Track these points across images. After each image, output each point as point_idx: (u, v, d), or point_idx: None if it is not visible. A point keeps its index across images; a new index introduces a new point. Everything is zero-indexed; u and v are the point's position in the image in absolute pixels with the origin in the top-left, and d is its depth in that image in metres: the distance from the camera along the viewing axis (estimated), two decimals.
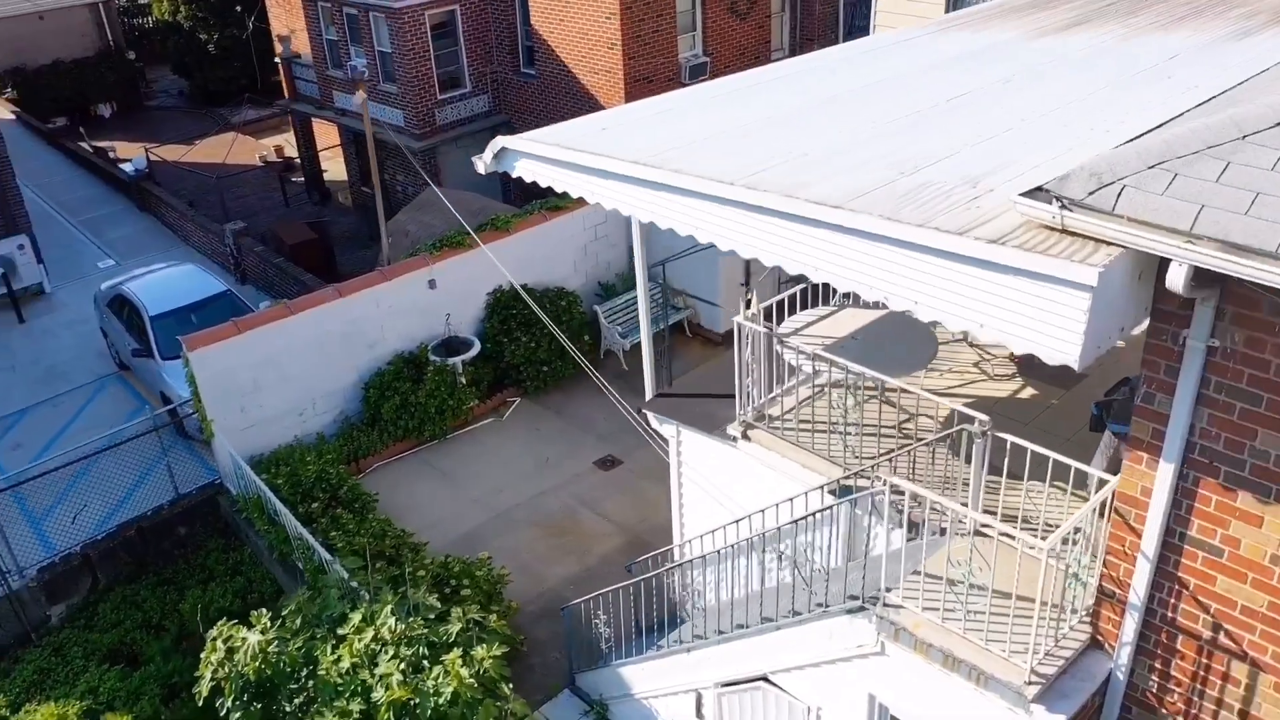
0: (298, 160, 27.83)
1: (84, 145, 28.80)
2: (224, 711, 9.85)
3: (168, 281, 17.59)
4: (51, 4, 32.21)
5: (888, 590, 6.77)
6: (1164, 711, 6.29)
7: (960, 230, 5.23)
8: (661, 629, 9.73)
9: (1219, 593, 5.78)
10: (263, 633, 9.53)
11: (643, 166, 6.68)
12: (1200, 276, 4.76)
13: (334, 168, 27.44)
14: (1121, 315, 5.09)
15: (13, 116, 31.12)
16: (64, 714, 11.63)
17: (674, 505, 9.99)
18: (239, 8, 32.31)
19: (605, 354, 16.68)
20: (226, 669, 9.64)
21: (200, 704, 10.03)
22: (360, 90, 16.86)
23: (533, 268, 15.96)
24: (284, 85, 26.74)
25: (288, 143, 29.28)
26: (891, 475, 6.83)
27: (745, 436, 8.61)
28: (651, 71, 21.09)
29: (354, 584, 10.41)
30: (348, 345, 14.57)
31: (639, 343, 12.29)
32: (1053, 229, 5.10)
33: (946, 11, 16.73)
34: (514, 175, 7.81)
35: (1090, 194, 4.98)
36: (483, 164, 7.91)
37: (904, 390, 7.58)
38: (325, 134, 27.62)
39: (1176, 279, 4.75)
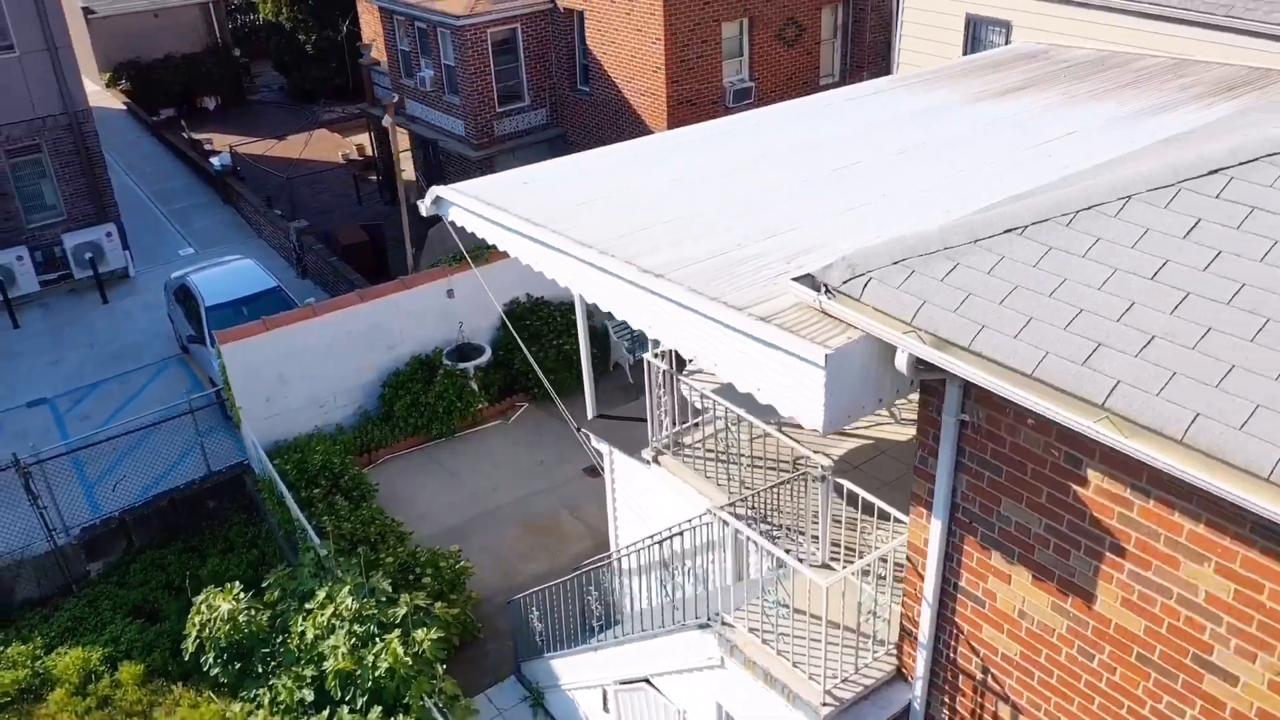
0: (374, 161, 29.57)
1: (184, 136, 31.11)
2: (205, 667, 11.25)
3: (225, 275, 19.30)
4: (167, 3, 34.79)
5: (725, 612, 7.63)
6: None
7: (743, 306, 6.09)
8: (604, 628, 10.71)
9: (985, 639, 6.48)
10: (235, 602, 10.86)
11: (531, 224, 7.68)
12: (924, 362, 5.52)
13: (411, 169, 29.06)
14: (874, 388, 5.87)
15: (124, 107, 33.79)
16: (87, 659, 13.28)
17: (609, 516, 10.95)
18: (336, 12, 34.31)
19: (614, 366, 17.69)
20: (208, 631, 11.02)
21: (186, 659, 11.47)
22: (388, 113, 18.18)
23: (548, 282, 17.02)
24: (364, 89, 28.50)
25: (369, 143, 31.08)
26: (725, 510, 7.68)
27: (656, 461, 9.53)
28: (695, 95, 21.97)
29: (329, 565, 11.68)
30: (368, 346, 15.92)
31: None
32: (815, 310, 5.91)
33: (964, 54, 17.24)
34: (448, 220, 8.88)
35: (845, 283, 5.79)
36: (424, 208, 9.01)
37: (775, 432, 8.37)
38: (403, 136, 29.25)
39: (901, 363, 5.53)
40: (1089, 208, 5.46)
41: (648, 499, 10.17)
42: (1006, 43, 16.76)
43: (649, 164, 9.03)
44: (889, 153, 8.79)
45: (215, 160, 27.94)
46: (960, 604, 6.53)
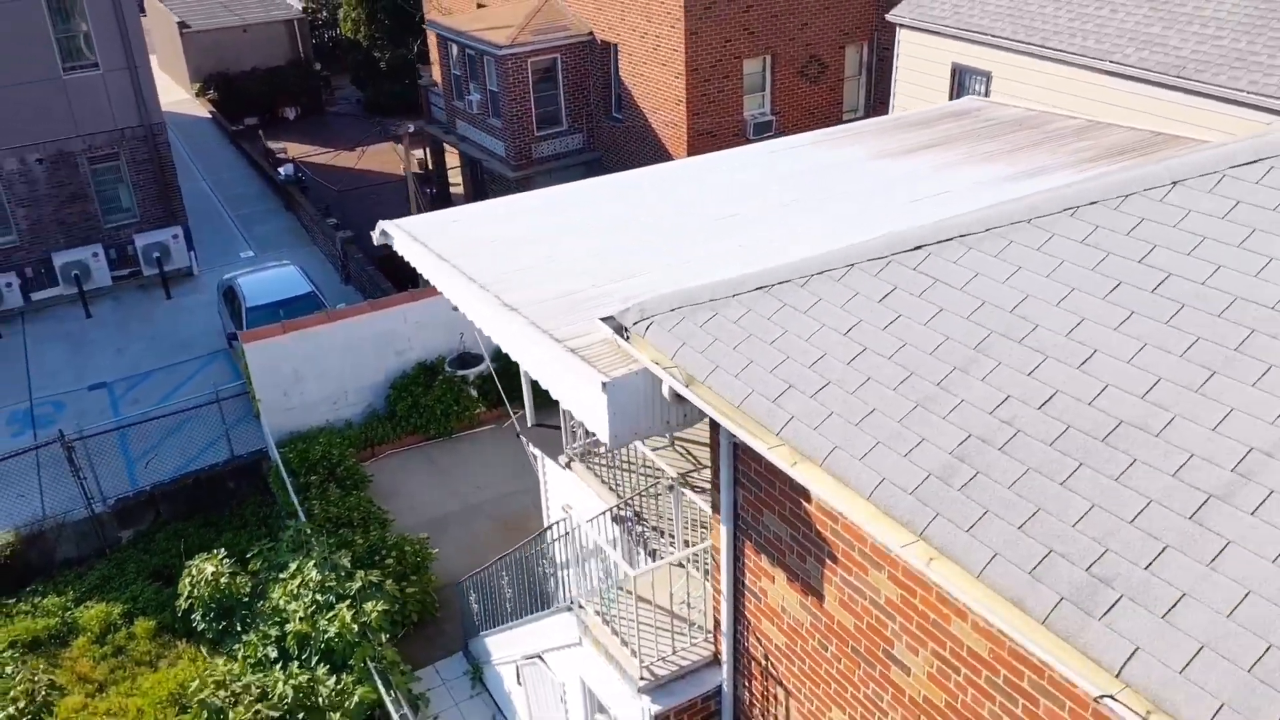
0: (430, 175, 31.60)
1: (261, 145, 33.65)
2: (194, 623, 13.03)
3: (268, 279, 21.35)
4: (255, 19, 37.55)
5: (581, 597, 8.98)
6: None
7: (564, 339, 7.46)
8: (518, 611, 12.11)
9: (764, 630, 7.71)
10: (219, 566, 12.60)
11: (439, 259, 9.17)
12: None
13: (462, 184, 31.01)
14: (658, 413, 7.17)
15: (209, 115, 36.61)
16: (109, 613, 15.24)
17: (543, 508, 12.37)
18: (409, 33, 36.58)
19: None
20: (196, 591, 12.80)
21: (179, 615, 13.27)
22: (404, 139, 19.88)
23: None
24: (422, 107, 30.56)
25: (426, 158, 33.14)
26: (570, 512, 9.03)
27: (569, 466, 10.92)
28: (715, 127, 23.28)
29: (306, 541, 13.35)
30: (378, 351, 17.66)
31: None
32: (614, 345, 7.25)
33: (950, 99, 18.22)
34: (395, 250, 10.44)
35: (634, 324, 7.12)
36: (375, 238, 10.59)
37: (642, 446, 9.68)
38: (454, 154, 31.23)
39: (666, 392, 6.84)
40: (820, 273, 6.69)
41: (570, 496, 11.56)
42: (987, 92, 17.72)
43: (561, 209, 10.46)
44: (772, 205, 10.04)
45: (281, 170, 30.27)
46: (746, 599, 7.77)
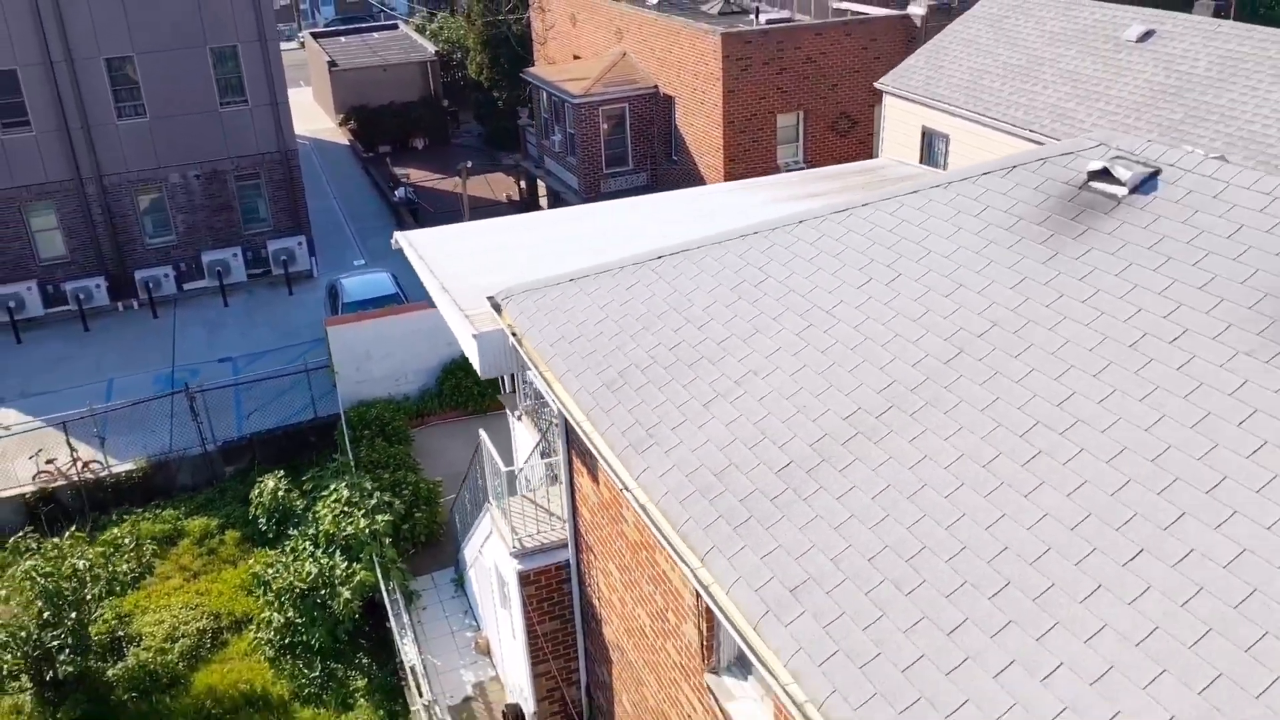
0: (526, 202, 36.60)
1: (388, 169, 39.40)
2: (261, 526, 17.83)
3: (364, 282, 26.47)
4: (394, 60, 43.64)
5: (494, 499, 13.16)
6: (591, 589, 12.17)
7: (466, 310, 11.74)
8: None
9: (584, 514, 11.67)
10: (276, 483, 17.36)
11: (421, 261, 13.60)
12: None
13: None
14: (511, 356, 11.32)
15: (347, 142, 42.76)
16: (208, 524, 20.28)
17: (513, 449, 16.57)
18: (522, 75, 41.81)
19: None
20: (261, 499, 17.60)
21: (250, 519, 18.12)
22: (462, 172, 24.57)
23: None
24: (519, 144, 35.62)
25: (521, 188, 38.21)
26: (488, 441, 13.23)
27: (520, 418, 15.14)
28: (749, 172, 27.22)
29: (347, 473, 17.99)
30: (432, 341, 22.29)
31: None
32: (492, 314, 11.46)
33: (919, 156, 21.73)
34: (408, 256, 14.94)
35: (502, 301, 11.32)
36: (392, 245, 15.13)
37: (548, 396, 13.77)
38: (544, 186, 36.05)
39: (510, 342, 10.99)
40: (604, 272, 10.73)
41: (521, 438, 15.77)
42: (947, 150, 21.18)
43: (523, 230, 14.77)
44: (665, 222, 14.08)
45: (397, 192, 35.78)
46: (578, 498, 11.78)
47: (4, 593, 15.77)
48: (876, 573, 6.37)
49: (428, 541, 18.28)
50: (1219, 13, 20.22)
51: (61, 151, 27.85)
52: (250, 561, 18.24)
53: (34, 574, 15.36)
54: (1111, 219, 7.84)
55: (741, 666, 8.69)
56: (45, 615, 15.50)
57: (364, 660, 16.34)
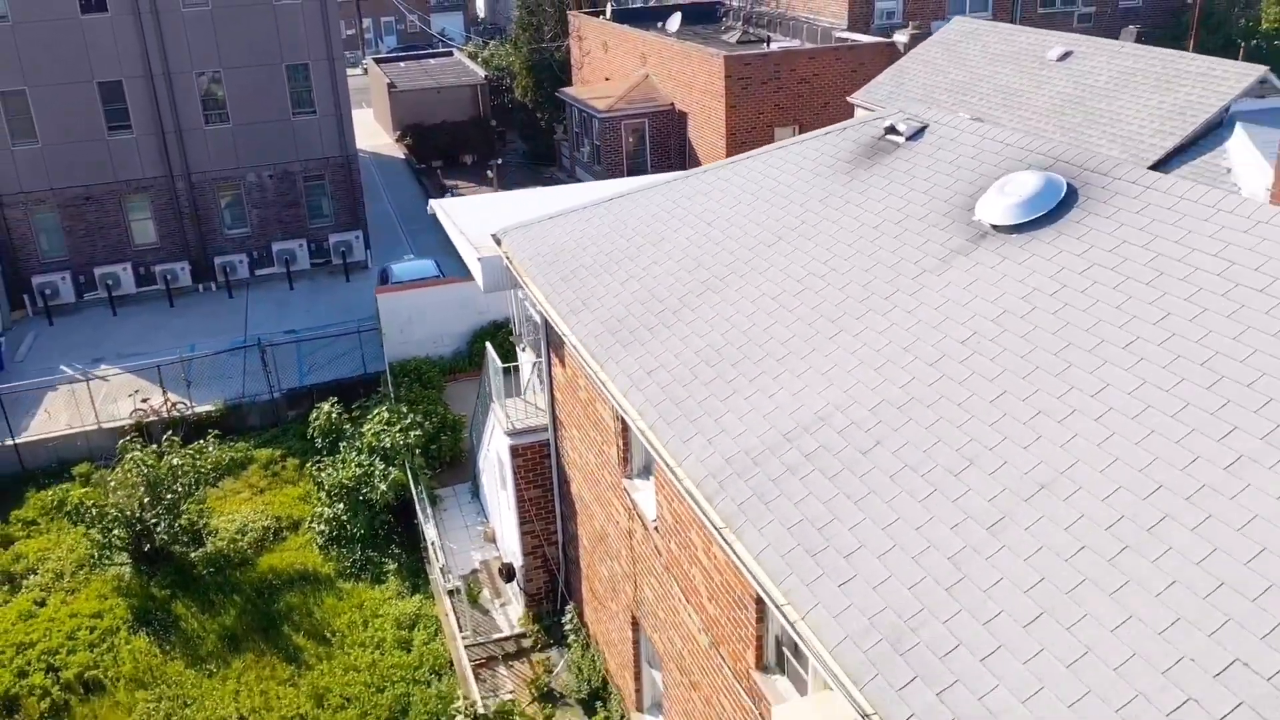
0: None
1: (439, 182, 44.11)
2: (318, 444, 22.16)
3: (412, 267, 30.96)
4: (448, 83, 48.60)
5: (497, 398, 17.30)
6: (563, 459, 16.17)
7: (476, 244, 15.95)
8: None
9: (560, 399, 15.72)
10: (330, 407, 21.71)
11: (447, 218, 17.88)
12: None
13: None
14: (507, 275, 15.46)
15: (403, 157, 47.67)
16: (273, 454, 24.69)
17: (520, 374, 20.69)
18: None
19: None
20: (318, 421, 21.94)
21: (308, 448, 22.48)
22: (492, 168, 28.91)
23: None
24: (555, 156, 40.09)
25: None
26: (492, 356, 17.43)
27: (523, 349, 19.27)
28: None
29: (389, 399, 22.27)
30: (464, 310, 26.59)
31: None
32: (495, 246, 15.64)
33: None
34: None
35: (501, 235, 15.51)
36: (429, 210, 19.43)
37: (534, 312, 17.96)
38: None
39: (505, 264, 15.16)
40: (571, 211, 14.85)
41: (526, 363, 19.91)
42: None
43: (544, 196, 18.97)
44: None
45: (447, 193, 40.36)
46: (554, 383, 15.83)
47: (114, 483, 20.18)
48: (705, 361, 10.36)
49: (451, 462, 22.44)
50: (1140, 38, 23.96)
51: (156, 152, 32.84)
52: (307, 475, 22.54)
53: (140, 463, 19.78)
54: (891, 156, 11.80)
55: (646, 472, 12.64)
56: (145, 499, 19.88)
57: (394, 549, 20.46)
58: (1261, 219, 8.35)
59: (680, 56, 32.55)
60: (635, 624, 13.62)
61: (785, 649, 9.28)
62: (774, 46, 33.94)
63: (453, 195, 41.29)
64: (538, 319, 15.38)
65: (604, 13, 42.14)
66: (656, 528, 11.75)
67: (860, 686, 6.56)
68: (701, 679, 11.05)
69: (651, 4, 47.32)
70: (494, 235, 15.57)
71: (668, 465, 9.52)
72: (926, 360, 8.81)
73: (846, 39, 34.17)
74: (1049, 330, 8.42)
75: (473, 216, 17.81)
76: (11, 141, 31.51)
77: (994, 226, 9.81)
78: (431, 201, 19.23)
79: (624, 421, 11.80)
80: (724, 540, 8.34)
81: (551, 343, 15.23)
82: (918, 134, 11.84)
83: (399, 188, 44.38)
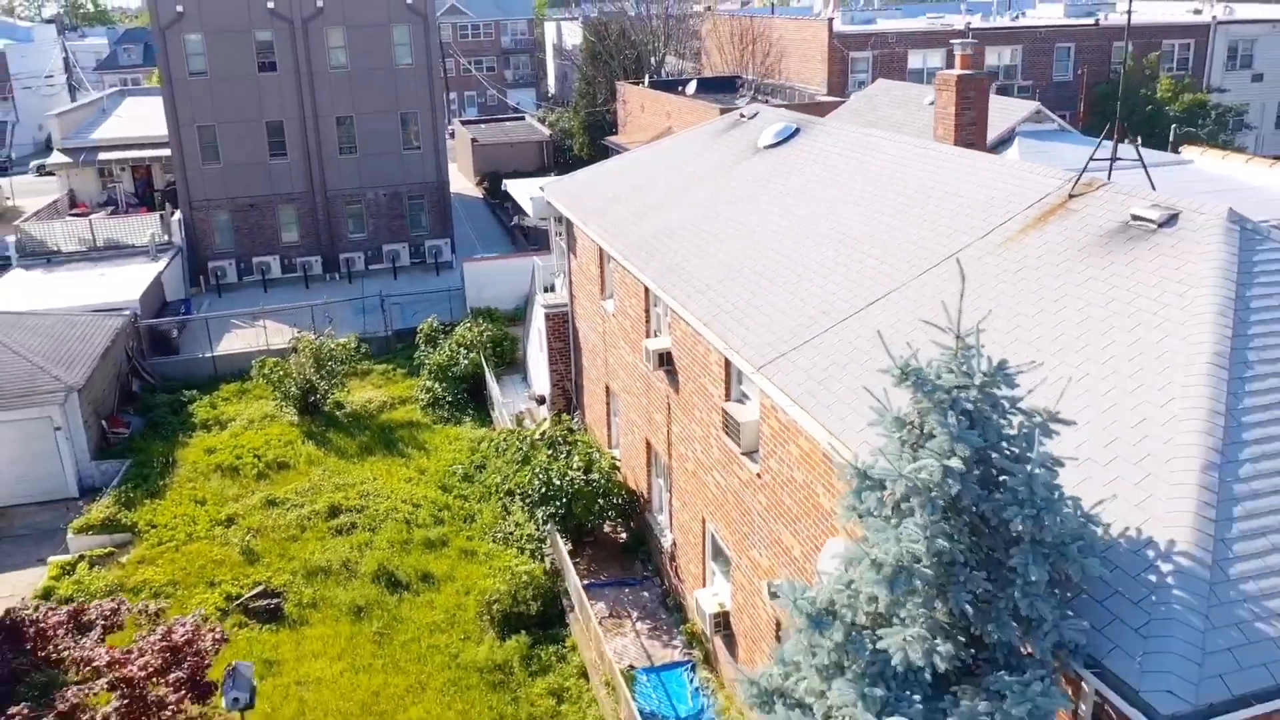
0: None
1: (511, 213, 56.87)
2: (421, 345, 34.35)
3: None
4: (519, 139, 61.80)
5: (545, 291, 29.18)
6: (575, 321, 27.83)
7: (530, 193, 28.08)
8: None
9: (576, 283, 27.49)
10: (432, 321, 33.91)
11: (539, 191, 30.09)
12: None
13: None
14: (549, 209, 27.46)
15: (481, 197, 60.72)
16: (388, 367, 36.89)
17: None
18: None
19: None
20: (425, 330, 34.13)
21: (411, 365, 34.76)
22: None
23: None
24: None
25: None
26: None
27: (550, 289, 31.20)
28: None
29: (467, 318, 34.38)
30: (521, 279, 38.47)
31: None
32: (542, 194, 27.71)
33: None
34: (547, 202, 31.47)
35: (545, 186, 27.56)
36: (536, 193, 31.65)
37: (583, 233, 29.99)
38: None
39: (547, 201, 27.20)
40: (603, 167, 26.83)
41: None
42: None
43: (610, 172, 31.19)
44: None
45: (514, 219, 53.12)
46: (570, 266, 27.60)
47: (294, 356, 32.30)
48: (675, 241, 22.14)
49: (510, 365, 34.28)
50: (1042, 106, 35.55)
51: (303, 173, 45.93)
52: (411, 378, 34.54)
53: (310, 346, 31.91)
54: (768, 153, 23.56)
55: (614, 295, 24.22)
56: (312, 369, 31.94)
57: (470, 409, 32.20)
58: (952, 157, 19.81)
59: (690, 109, 44.80)
60: (608, 390, 25.10)
61: (739, 385, 20.70)
62: (766, 104, 46.20)
63: (521, 217, 54.11)
64: (562, 228, 27.24)
65: (643, 82, 54.96)
66: (615, 315, 23.36)
67: (705, 324, 18.14)
68: (646, 401, 22.52)
69: (685, 76, 60.10)
70: (541, 188, 27.66)
71: (629, 270, 21.20)
72: (730, 195, 20.50)
73: (821, 101, 46.26)
74: (781, 183, 20.00)
75: (562, 189, 29.94)
76: (202, 162, 44.87)
77: (764, 146, 21.53)
78: (535, 193, 31.40)
79: (603, 256, 23.45)
80: (677, 307, 19.99)
81: (570, 243, 27.08)
82: (793, 136, 23.57)
83: (477, 218, 57.25)
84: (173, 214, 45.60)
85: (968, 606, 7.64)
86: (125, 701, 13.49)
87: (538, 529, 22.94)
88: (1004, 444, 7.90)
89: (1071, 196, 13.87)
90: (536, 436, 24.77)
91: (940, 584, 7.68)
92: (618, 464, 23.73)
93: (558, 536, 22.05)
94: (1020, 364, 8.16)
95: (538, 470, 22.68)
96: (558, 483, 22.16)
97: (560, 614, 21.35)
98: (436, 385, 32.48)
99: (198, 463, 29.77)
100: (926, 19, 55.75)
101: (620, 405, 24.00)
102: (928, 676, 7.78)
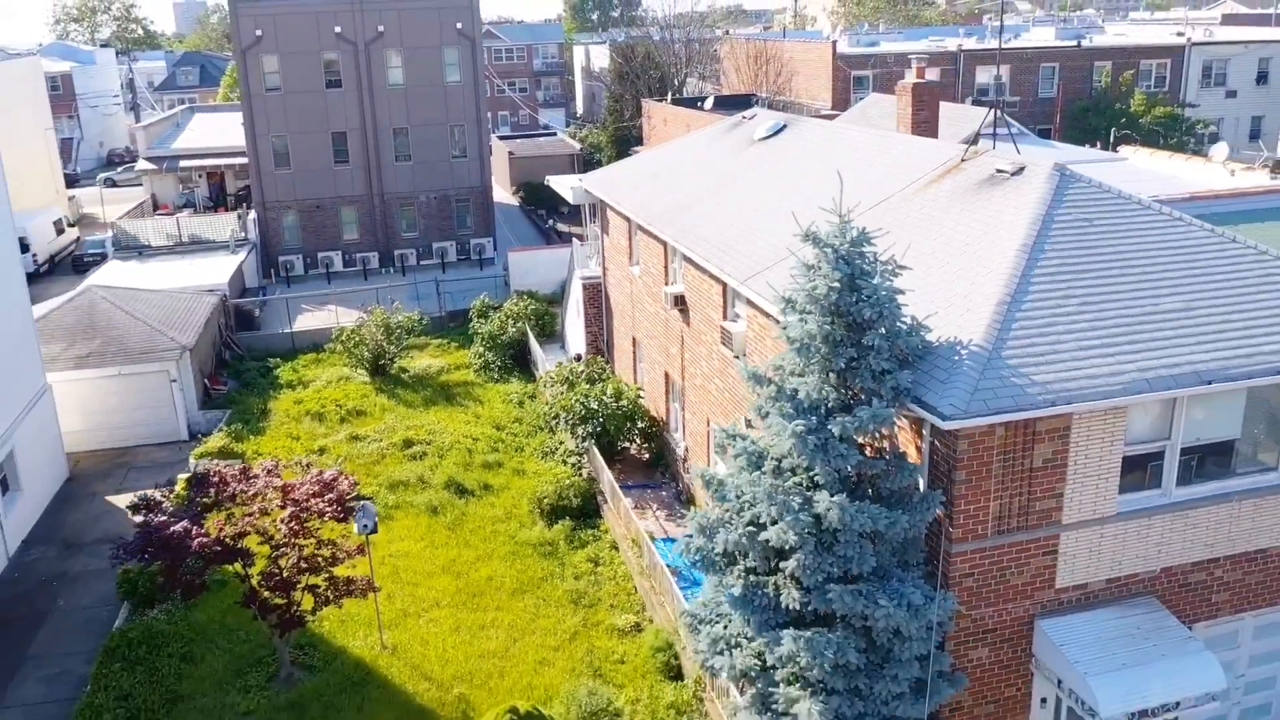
0: None
1: (543, 221, 63.24)
2: (473, 320, 40.70)
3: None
4: (552, 152, 68.32)
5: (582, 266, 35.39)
6: (607, 290, 33.95)
7: (570, 184, 34.38)
8: None
9: (608, 251, 33.63)
10: (484, 298, 40.24)
11: (580, 180, 36.42)
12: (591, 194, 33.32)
13: None
14: (585, 195, 33.72)
15: (517, 204, 67.19)
16: (443, 341, 43.20)
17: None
18: None
19: None
20: (477, 305, 40.47)
21: (465, 336, 41.08)
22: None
23: None
24: None
25: None
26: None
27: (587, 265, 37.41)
28: None
29: (511, 296, 40.65)
30: (558, 267, 44.79)
31: None
32: (579, 184, 33.96)
33: None
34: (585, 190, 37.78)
35: (583, 178, 33.80)
36: (577, 182, 37.97)
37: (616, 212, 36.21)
38: None
39: (585, 189, 33.45)
40: (633, 157, 33.03)
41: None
42: None
43: (641, 166, 37.46)
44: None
45: (547, 222, 59.52)
46: (604, 245, 33.75)
47: (366, 322, 38.57)
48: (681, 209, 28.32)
49: (550, 336, 40.46)
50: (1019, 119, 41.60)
51: (363, 178, 52.48)
52: (465, 349, 40.78)
53: (380, 316, 38.21)
54: (761, 144, 29.69)
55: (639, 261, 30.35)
56: (381, 335, 38.20)
57: (517, 373, 38.36)
58: (895, 140, 25.80)
59: (708, 123, 50.99)
60: (634, 342, 31.16)
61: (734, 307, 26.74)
62: None
63: (555, 218, 60.57)
64: (597, 213, 33.40)
65: (666, 100, 61.38)
66: (640, 277, 29.46)
67: (712, 261, 24.25)
68: (665, 340, 28.58)
69: (704, 95, 66.48)
70: (581, 178, 33.89)
71: (653, 233, 27.31)
72: (731, 174, 26.66)
73: (825, 115, 52.45)
74: (771, 163, 26.13)
75: (599, 179, 36.20)
76: (274, 168, 51.51)
77: (758, 139, 27.69)
78: (576, 183, 37.68)
79: (631, 228, 29.57)
80: (689, 253, 26.12)
81: (603, 223, 33.24)
82: (781, 130, 29.65)
83: (514, 223, 63.71)
84: (248, 213, 52.23)
85: (843, 365, 13.63)
86: (295, 509, 19.59)
87: (578, 445, 29.00)
88: (865, 275, 13.90)
89: (963, 160, 19.90)
90: (580, 369, 30.98)
91: (826, 354, 13.68)
92: (642, 395, 29.81)
93: (594, 449, 28.09)
94: (874, 232, 14.20)
95: (579, 396, 28.79)
96: (594, 405, 28.23)
97: (596, 509, 27.34)
98: (488, 352, 38.69)
99: (289, 411, 36.07)
100: (928, 41, 62.09)
101: (643, 351, 30.11)
102: (823, 411, 13.75)
